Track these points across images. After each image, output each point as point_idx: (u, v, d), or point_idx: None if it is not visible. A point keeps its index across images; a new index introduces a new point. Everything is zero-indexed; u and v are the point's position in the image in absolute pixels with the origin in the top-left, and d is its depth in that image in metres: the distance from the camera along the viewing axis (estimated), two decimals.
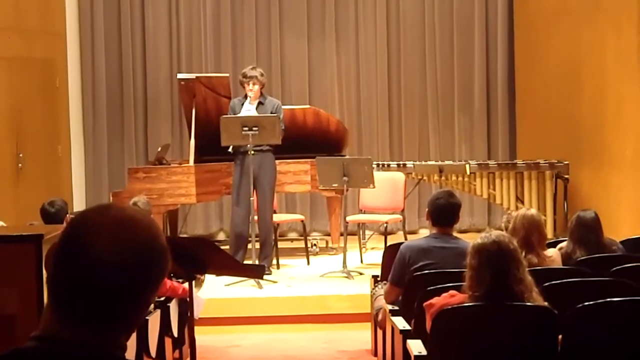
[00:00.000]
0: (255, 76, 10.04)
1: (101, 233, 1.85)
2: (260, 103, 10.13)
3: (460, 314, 4.75)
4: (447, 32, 13.50)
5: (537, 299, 4.68)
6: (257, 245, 9.98)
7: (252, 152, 9.77)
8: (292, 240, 12.77)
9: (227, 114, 10.10)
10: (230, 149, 10.00)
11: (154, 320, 6.29)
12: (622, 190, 10.76)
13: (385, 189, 10.82)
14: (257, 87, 10.04)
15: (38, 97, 11.99)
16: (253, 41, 13.42)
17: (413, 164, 11.71)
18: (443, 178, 11.54)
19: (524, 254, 5.95)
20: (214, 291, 9.08)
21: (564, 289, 5.26)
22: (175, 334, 6.99)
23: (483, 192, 11.58)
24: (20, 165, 11.55)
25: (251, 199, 9.82)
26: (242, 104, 10.12)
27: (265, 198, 10.10)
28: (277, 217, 10.98)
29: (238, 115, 9.95)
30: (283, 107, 10.67)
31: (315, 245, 11.59)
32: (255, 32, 13.44)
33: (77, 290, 1.84)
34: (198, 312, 7.20)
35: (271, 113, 10.00)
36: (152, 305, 3.32)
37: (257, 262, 9.70)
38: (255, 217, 10.07)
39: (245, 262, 9.64)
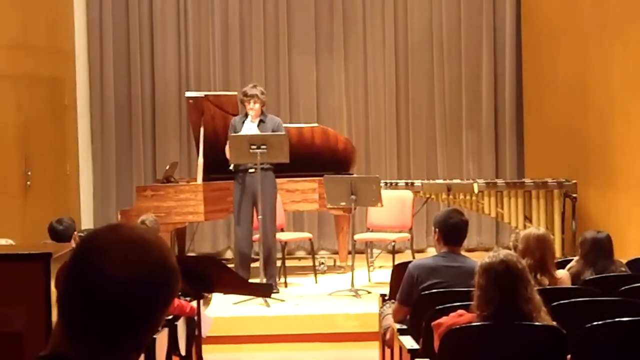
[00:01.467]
0: (256, 94, 10.02)
1: (112, 252, 1.85)
2: (261, 121, 10.10)
3: (468, 334, 4.73)
4: (455, 50, 13.53)
5: (545, 319, 4.67)
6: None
7: (253, 170, 9.79)
8: (299, 258, 12.77)
9: None
10: (231, 167, 10.00)
11: (161, 339, 6.28)
12: (630, 209, 10.74)
13: (393, 207, 10.82)
14: (257, 105, 10.02)
15: (46, 115, 12.03)
16: (261, 60, 13.45)
17: (421, 183, 11.71)
18: (451, 197, 11.53)
19: (538, 275, 5.94)
20: (221, 310, 9.07)
21: (573, 309, 5.24)
22: (183, 353, 6.97)
23: (491, 210, 11.57)
24: (28, 183, 11.58)
25: (259, 217, 9.79)
26: (243, 122, 10.10)
27: (267, 216, 10.04)
28: (284, 235, 10.99)
29: (240, 133, 9.93)
30: (291, 125, 10.66)
31: (323, 263, 11.57)
32: (264, 50, 13.48)
33: (87, 309, 1.84)
34: (206, 331, 7.19)
35: (272, 131, 9.99)
36: None
37: (263, 279, 9.69)
38: (257, 236, 10.08)
39: (252, 280, 9.63)
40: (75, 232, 7.59)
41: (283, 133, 9.96)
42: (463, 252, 6.51)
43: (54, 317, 4.19)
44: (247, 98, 10.03)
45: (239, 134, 9.91)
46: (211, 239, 13.43)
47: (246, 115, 10.11)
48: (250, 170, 9.86)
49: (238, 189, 10.07)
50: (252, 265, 10.58)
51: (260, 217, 9.77)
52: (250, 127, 9.97)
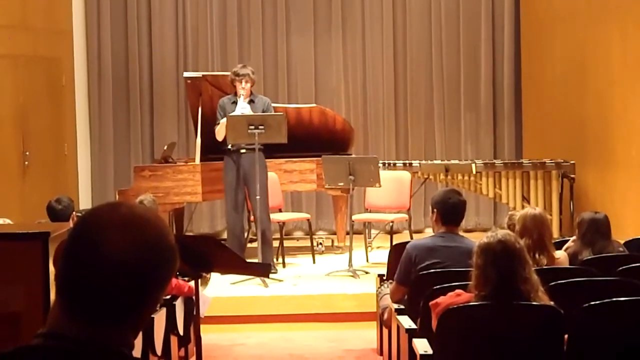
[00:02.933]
0: (247, 74, 9.98)
1: (111, 231, 1.85)
2: (251, 101, 10.07)
3: (466, 313, 4.74)
4: (454, 31, 13.50)
5: (543, 299, 4.68)
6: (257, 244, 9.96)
7: (244, 150, 9.79)
8: (297, 239, 12.77)
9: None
10: (229, 146, 9.97)
11: (159, 319, 6.30)
12: (627, 190, 10.75)
13: (391, 188, 10.81)
14: (249, 85, 9.98)
15: (44, 96, 12.01)
16: (259, 40, 13.43)
17: (419, 163, 11.71)
18: (449, 177, 11.54)
19: (537, 255, 5.95)
20: (219, 289, 9.08)
21: (570, 289, 5.25)
22: (181, 332, 7.00)
23: (489, 191, 11.57)
24: (26, 163, 11.58)
25: (257, 197, 9.76)
26: (233, 102, 10.06)
27: (262, 197, 9.99)
28: (282, 216, 10.99)
29: (234, 114, 9.88)
30: (289, 105, 10.64)
31: (320, 244, 11.57)
32: (262, 30, 13.45)
33: (85, 287, 1.84)
34: (204, 311, 7.20)
35: (262, 111, 9.97)
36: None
37: (260, 257, 9.69)
38: (252, 217, 10.06)
39: (249, 260, 9.63)
40: (74, 212, 7.58)
41: (281, 113, 9.95)
42: (461, 233, 6.52)
43: (52, 296, 4.19)
44: (238, 78, 9.97)
45: (235, 114, 9.88)
46: (209, 219, 13.44)
47: (235, 95, 10.07)
48: (242, 151, 9.85)
49: (230, 170, 10.03)
50: (249, 245, 10.60)
51: (258, 197, 9.74)
52: (244, 107, 9.94)
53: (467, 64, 13.51)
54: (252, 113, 9.86)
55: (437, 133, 13.53)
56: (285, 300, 9.10)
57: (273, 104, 10.46)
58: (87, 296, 1.84)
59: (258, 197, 9.73)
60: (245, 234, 10.64)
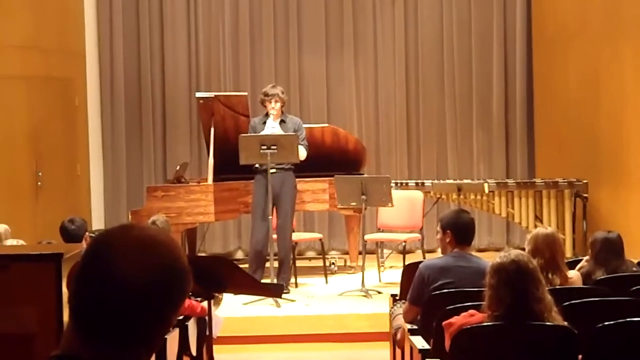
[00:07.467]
0: (276, 94, 10.03)
1: (123, 253, 1.86)
2: (282, 121, 10.13)
3: (479, 334, 4.73)
4: (466, 50, 13.50)
5: (556, 319, 4.66)
6: (275, 264, 9.94)
7: (274, 170, 9.78)
8: (310, 258, 12.74)
9: (245, 133, 10.10)
10: (257, 166, 10.01)
11: (172, 339, 6.28)
12: None
13: (404, 207, 10.80)
14: (278, 104, 10.04)
15: (57, 116, 12.04)
16: (271, 59, 13.44)
17: (431, 183, 11.70)
18: (462, 197, 11.51)
19: (550, 274, 5.93)
20: (232, 310, 9.07)
21: (584, 309, 5.23)
22: (194, 353, 6.98)
23: (502, 210, 11.54)
24: (39, 183, 11.59)
25: (269, 217, 9.79)
26: (263, 123, 10.12)
27: (286, 217, 10.07)
28: (295, 236, 10.97)
29: (260, 133, 9.94)
30: None
31: (333, 264, 11.56)
32: (274, 50, 13.47)
33: (99, 309, 1.84)
34: (216, 331, 7.19)
35: (293, 131, 10.00)
36: None
37: (275, 281, 9.68)
38: (274, 236, 10.04)
39: (264, 280, 9.63)
40: (87, 233, 7.59)
41: (294, 134, 9.96)
42: (473, 252, 6.51)
43: (66, 317, 4.20)
44: (267, 98, 10.04)
45: (253, 134, 9.92)
46: (222, 239, 13.43)
47: (266, 115, 10.12)
48: (272, 171, 9.83)
49: (258, 189, 10.02)
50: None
51: (280, 218, 9.76)
52: (273, 127, 9.99)
53: (479, 82, 13.50)
54: (283, 133, 9.91)
55: (450, 152, 13.51)
56: (297, 320, 9.08)
57: None
58: (100, 318, 1.84)
59: (280, 218, 9.75)
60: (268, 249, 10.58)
